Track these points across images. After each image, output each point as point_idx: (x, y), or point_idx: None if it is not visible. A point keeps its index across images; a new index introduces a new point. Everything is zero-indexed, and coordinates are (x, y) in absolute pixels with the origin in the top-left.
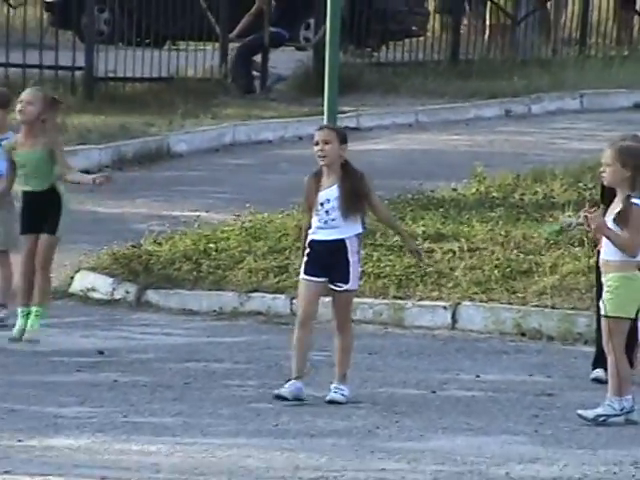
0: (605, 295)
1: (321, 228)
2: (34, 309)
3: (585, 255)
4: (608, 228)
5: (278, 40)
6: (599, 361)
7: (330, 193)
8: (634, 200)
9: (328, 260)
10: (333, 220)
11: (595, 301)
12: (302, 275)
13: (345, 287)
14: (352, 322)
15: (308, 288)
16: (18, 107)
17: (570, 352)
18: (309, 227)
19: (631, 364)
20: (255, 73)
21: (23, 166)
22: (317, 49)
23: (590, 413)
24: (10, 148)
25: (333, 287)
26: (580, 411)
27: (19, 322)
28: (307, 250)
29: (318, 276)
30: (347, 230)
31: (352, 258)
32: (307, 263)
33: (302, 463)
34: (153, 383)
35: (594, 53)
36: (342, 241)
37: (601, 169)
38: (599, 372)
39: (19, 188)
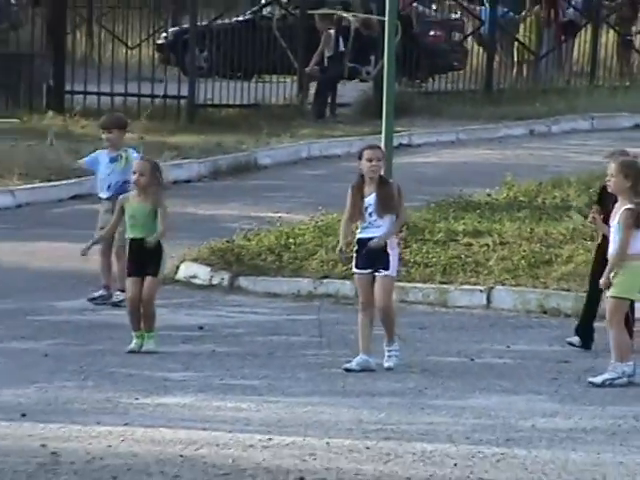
0: (613, 280)
1: (366, 228)
2: (146, 334)
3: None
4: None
5: (354, 73)
6: (579, 330)
7: (370, 200)
8: (629, 206)
9: (372, 254)
10: (375, 221)
11: (590, 279)
12: (354, 269)
13: (385, 273)
14: (401, 303)
15: (360, 280)
16: (134, 177)
17: None
18: (349, 228)
19: (630, 335)
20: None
21: (133, 217)
22: (376, 81)
23: (599, 379)
24: (124, 200)
25: (376, 274)
26: (590, 379)
27: (135, 341)
28: (355, 247)
29: (366, 268)
30: (385, 229)
31: (391, 251)
32: (357, 258)
33: (365, 418)
34: (243, 352)
35: (602, 83)
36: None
37: (607, 179)
38: (575, 338)
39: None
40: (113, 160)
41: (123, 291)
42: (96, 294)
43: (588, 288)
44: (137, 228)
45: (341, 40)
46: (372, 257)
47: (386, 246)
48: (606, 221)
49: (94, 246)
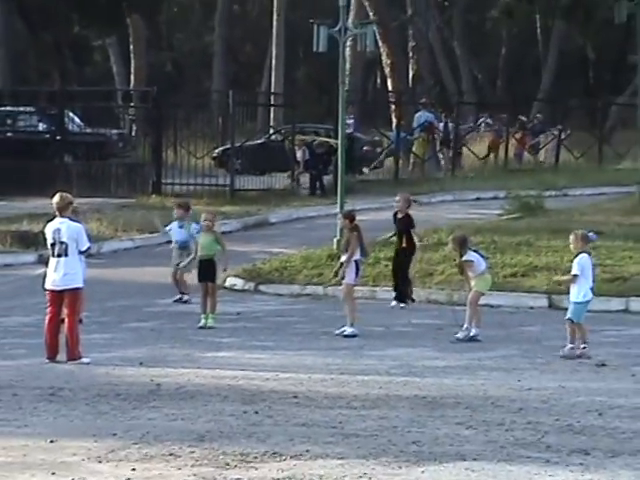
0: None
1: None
2: (210, 315)
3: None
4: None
5: (325, 173)
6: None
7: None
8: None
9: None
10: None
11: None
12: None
13: (344, 281)
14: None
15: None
16: (204, 222)
17: None
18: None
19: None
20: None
21: (202, 245)
22: (334, 174)
23: (461, 335)
24: (197, 239)
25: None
26: (456, 336)
27: (203, 320)
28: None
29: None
30: (343, 257)
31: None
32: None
33: (330, 362)
34: (262, 327)
35: (458, 175)
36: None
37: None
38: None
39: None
40: (181, 227)
41: (185, 293)
42: (176, 297)
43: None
44: (202, 250)
45: (307, 153)
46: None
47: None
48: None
49: (184, 269)
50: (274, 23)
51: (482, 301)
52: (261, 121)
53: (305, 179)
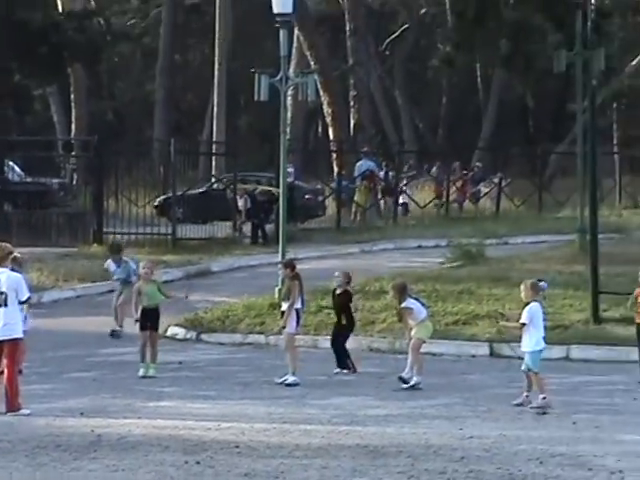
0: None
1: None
2: (151, 364)
3: None
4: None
5: (267, 222)
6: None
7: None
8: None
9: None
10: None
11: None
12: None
13: (285, 330)
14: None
15: None
16: (143, 271)
17: None
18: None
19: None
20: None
21: (146, 294)
22: (276, 223)
23: (407, 385)
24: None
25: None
26: (403, 385)
27: (142, 370)
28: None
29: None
30: (285, 306)
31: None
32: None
33: (272, 411)
34: (204, 376)
35: (399, 223)
36: (283, 312)
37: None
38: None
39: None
40: (118, 266)
41: (121, 328)
42: (112, 329)
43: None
44: (146, 300)
45: (249, 202)
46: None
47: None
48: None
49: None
50: (215, 72)
51: (424, 349)
52: (203, 169)
53: (247, 228)
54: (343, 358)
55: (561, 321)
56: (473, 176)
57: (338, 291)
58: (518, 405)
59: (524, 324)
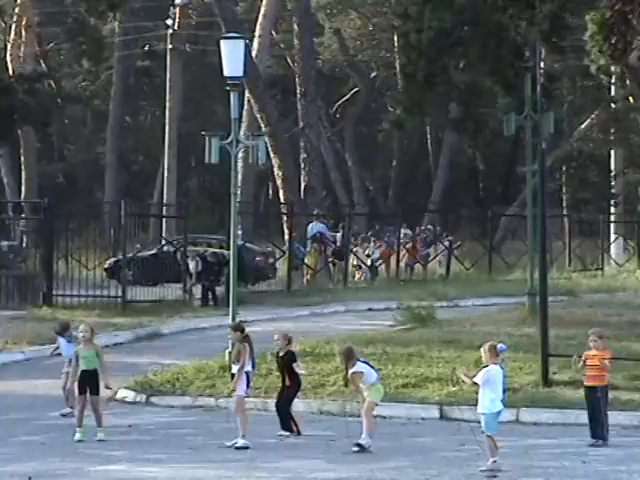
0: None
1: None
2: (99, 428)
3: None
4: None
5: (216, 284)
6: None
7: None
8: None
9: None
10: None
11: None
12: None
13: (235, 393)
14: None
15: None
16: (81, 334)
17: None
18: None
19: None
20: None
21: (84, 357)
22: (227, 285)
23: (359, 447)
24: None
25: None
26: (353, 448)
27: (78, 434)
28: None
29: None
30: (235, 369)
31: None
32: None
33: (222, 474)
34: (154, 440)
35: (351, 286)
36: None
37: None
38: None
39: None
40: (69, 341)
41: (73, 407)
42: (64, 411)
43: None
44: (84, 363)
45: (200, 264)
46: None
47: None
48: None
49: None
50: (166, 134)
51: (374, 412)
52: (153, 231)
53: (197, 290)
54: (286, 420)
55: (511, 384)
56: (424, 239)
57: (281, 353)
58: (493, 471)
59: (476, 383)
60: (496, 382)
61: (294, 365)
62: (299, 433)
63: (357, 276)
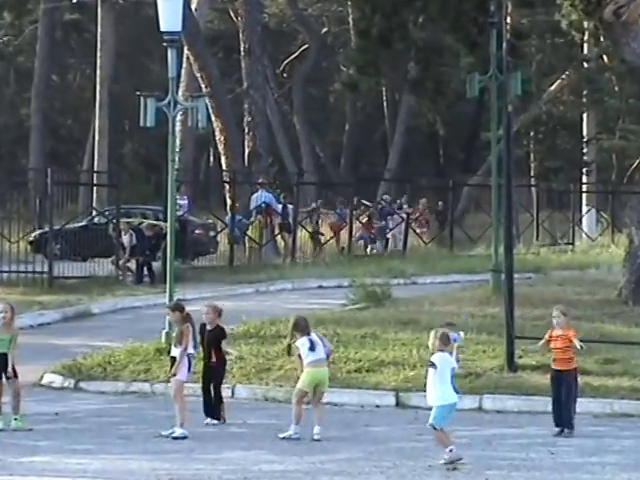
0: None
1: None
2: (15, 416)
3: None
4: None
5: (152, 259)
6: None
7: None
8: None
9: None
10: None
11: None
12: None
13: (174, 378)
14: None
15: None
16: (1, 315)
17: None
18: None
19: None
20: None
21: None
22: (163, 260)
23: (286, 434)
24: None
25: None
26: (281, 435)
27: (1, 422)
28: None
29: None
30: (177, 352)
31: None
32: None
33: (157, 466)
34: (83, 428)
35: (299, 261)
36: (174, 357)
37: None
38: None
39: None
40: None
41: None
42: None
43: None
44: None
45: (134, 237)
46: (171, 368)
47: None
48: None
49: None
50: (97, 95)
51: (324, 399)
52: (83, 202)
53: (132, 266)
54: (217, 405)
55: (473, 368)
56: (380, 210)
57: (209, 327)
58: (450, 462)
59: (432, 364)
60: (444, 371)
61: (223, 342)
62: (224, 421)
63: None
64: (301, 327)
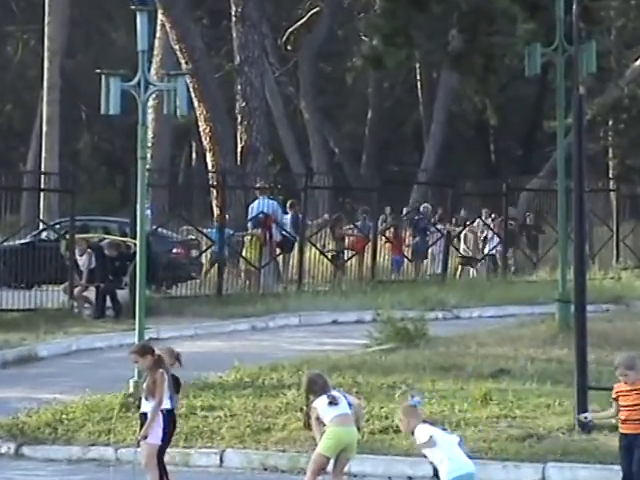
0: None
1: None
2: None
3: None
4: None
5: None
6: None
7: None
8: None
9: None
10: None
11: None
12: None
13: (144, 441)
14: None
15: None
16: None
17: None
18: None
19: None
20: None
21: None
22: (131, 288)
23: None
24: None
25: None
26: None
27: None
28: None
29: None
30: (148, 407)
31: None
32: None
33: None
34: None
35: (307, 289)
36: (145, 414)
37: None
38: None
39: None
40: None
41: None
42: None
43: None
44: None
45: (93, 258)
46: (141, 428)
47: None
48: None
49: None
50: (45, 73)
51: (324, 467)
52: (27, 212)
53: (90, 295)
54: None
55: (534, 428)
56: (413, 223)
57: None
58: None
59: (431, 438)
60: (443, 440)
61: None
62: None
63: (459, 271)
64: (318, 386)
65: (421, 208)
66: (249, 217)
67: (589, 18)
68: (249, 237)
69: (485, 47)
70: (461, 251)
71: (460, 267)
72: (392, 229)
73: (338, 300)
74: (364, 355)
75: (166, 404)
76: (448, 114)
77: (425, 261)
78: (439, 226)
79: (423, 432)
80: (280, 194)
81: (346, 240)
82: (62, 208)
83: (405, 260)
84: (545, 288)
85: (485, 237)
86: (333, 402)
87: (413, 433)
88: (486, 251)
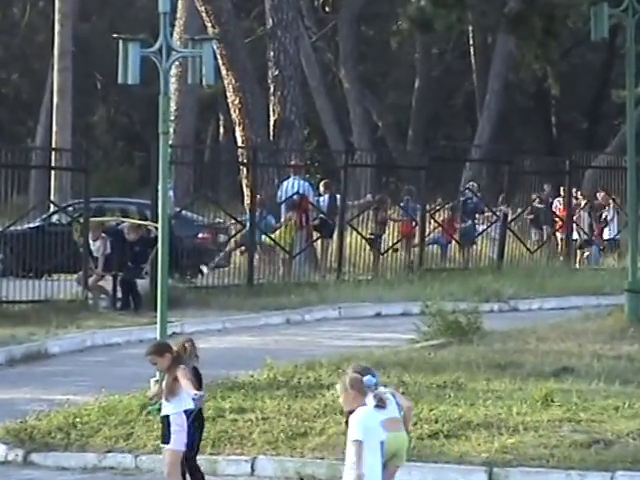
0: None
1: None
2: None
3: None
4: None
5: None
6: None
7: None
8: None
9: (163, 430)
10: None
11: None
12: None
13: (167, 447)
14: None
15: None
16: None
17: None
18: None
19: None
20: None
21: None
22: (152, 277)
23: None
24: None
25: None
26: None
27: None
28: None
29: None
30: (169, 408)
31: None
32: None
33: None
34: None
35: (347, 278)
36: (167, 417)
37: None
38: None
39: None
40: None
41: None
42: None
43: None
44: None
45: (108, 244)
46: (163, 433)
47: (169, 423)
48: None
49: None
50: (56, 38)
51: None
52: (36, 193)
53: (106, 285)
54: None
55: (601, 433)
56: (464, 204)
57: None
58: None
59: (357, 441)
60: (373, 434)
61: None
62: None
63: (578, 257)
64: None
65: (469, 185)
66: (281, 199)
67: None
68: (284, 221)
69: (546, 8)
70: (574, 234)
71: (580, 252)
72: (445, 211)
73: (382, 290)
74: (411, 351)
75: (188, 404)
76: (504, 83)
77: (474, 246)
78: (498, 208)
79: (358, 419)
80: (317, 173)
81: (391, 225)
82: (75, 188)
83: (452, 245)
84: (612, 277)
85: (604, 218)
86: (380, 405)
87: (350, 414)
88: (606, 235)
